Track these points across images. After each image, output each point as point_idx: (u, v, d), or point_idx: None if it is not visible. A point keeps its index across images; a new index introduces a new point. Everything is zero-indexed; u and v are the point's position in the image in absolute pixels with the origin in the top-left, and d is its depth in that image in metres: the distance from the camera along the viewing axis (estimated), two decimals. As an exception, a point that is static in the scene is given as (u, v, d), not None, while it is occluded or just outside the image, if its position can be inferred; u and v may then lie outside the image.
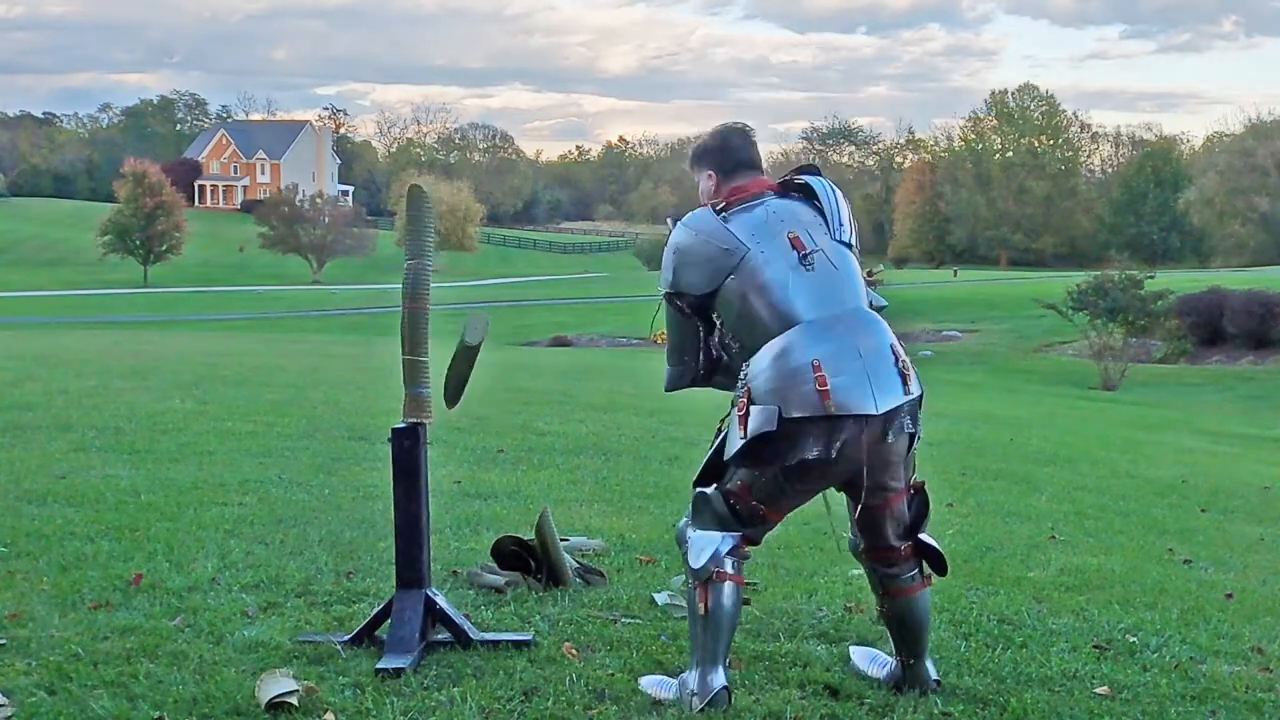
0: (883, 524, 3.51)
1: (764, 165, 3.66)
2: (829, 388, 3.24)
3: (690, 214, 3.61)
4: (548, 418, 10.21)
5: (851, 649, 3.91)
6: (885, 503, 3.47)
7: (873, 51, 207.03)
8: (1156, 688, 3.78)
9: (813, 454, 3.28)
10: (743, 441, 3.31)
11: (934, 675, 3.65)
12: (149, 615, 3.99)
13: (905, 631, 3.61)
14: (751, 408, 3.31)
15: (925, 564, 3.61)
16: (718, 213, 3.52)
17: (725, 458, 3.41)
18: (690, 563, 3.45)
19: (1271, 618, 4.88)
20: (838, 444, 3.27)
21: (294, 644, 3.76)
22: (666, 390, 3.78)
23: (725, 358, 3.58)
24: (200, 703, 3.26)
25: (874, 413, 3.28)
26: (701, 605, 3.41)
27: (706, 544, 3.44)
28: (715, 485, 3.47)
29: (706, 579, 3.41)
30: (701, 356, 3.63)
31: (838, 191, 3.60)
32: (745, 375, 3.39)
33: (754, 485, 3.39)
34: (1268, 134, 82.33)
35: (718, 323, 3.52)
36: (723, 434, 3.51)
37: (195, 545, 4.95)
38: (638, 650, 3.86)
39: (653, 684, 3.56)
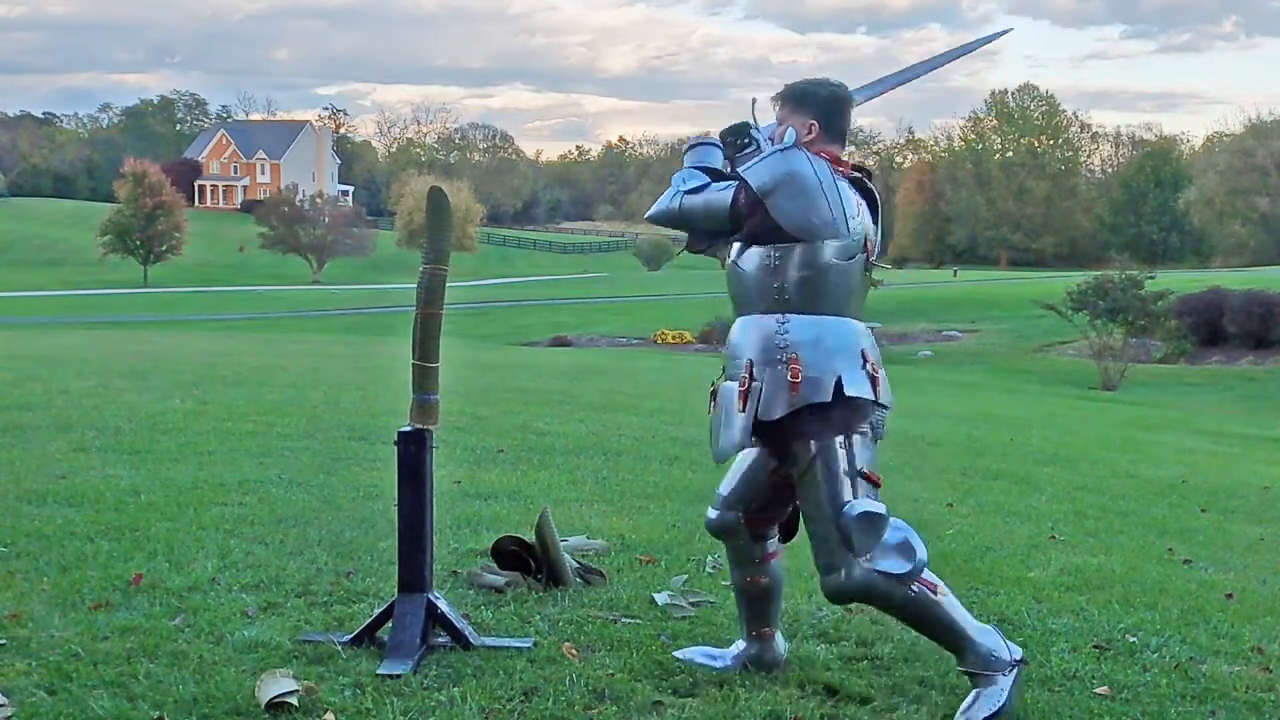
0: (785, 504, 3.64)
1: None
2: (878, 375, 3.44)
3: (814, 157, 3.44)
4: (548, 418, 10.21)
5: (679, 653, 3.83)
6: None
7: (873, 51, 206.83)
8: (1156, 688, 3.78)
9: (862, 429, 3.42)
10: (790, 409, 3.34)
11: (785, 646, 3.83)
12: (149, 615, 3.99)
13: (771, 600, 3.76)
14: (805, 375, 3.34)
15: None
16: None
17: (761, 418, 3.35)
18: (901, 570, 3.33)
19: (1271, 618, 4.88)
20: (874, 428, 3.46)
21: (294, 644, 3.76)
22: (650, 216, 3.64)
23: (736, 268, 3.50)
24: (200, 703, 3.25)
25: (891, 408, 3.53)
26: (937, 598, 3.38)
27: (901, 545, 3.35)
28: (855, 501, 3.35)
29: (919, 575, 3.37)
30: (707, 236, 3.53)
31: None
32: (785, 345, 3.37)
33: (862, 452, 3.41)
34: (1268, 134, 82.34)
35: (781, 264, 3.39)
36: (733, 401, 3.43)
37: (195, 545, 4.95)
38: (638, 650, 3.86)
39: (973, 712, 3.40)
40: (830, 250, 3.40)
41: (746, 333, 3.49)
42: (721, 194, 3.45)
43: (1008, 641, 3.51)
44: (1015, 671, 3.44)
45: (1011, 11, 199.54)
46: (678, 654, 3.82)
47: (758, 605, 3.76)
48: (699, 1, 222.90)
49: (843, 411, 3.37)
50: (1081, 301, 28.99)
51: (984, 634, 3.47)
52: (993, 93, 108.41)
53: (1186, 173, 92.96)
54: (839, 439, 3.37)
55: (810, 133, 3.50)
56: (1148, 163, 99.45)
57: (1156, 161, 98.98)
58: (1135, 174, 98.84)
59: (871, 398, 3.41)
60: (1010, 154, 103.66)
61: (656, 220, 3.58)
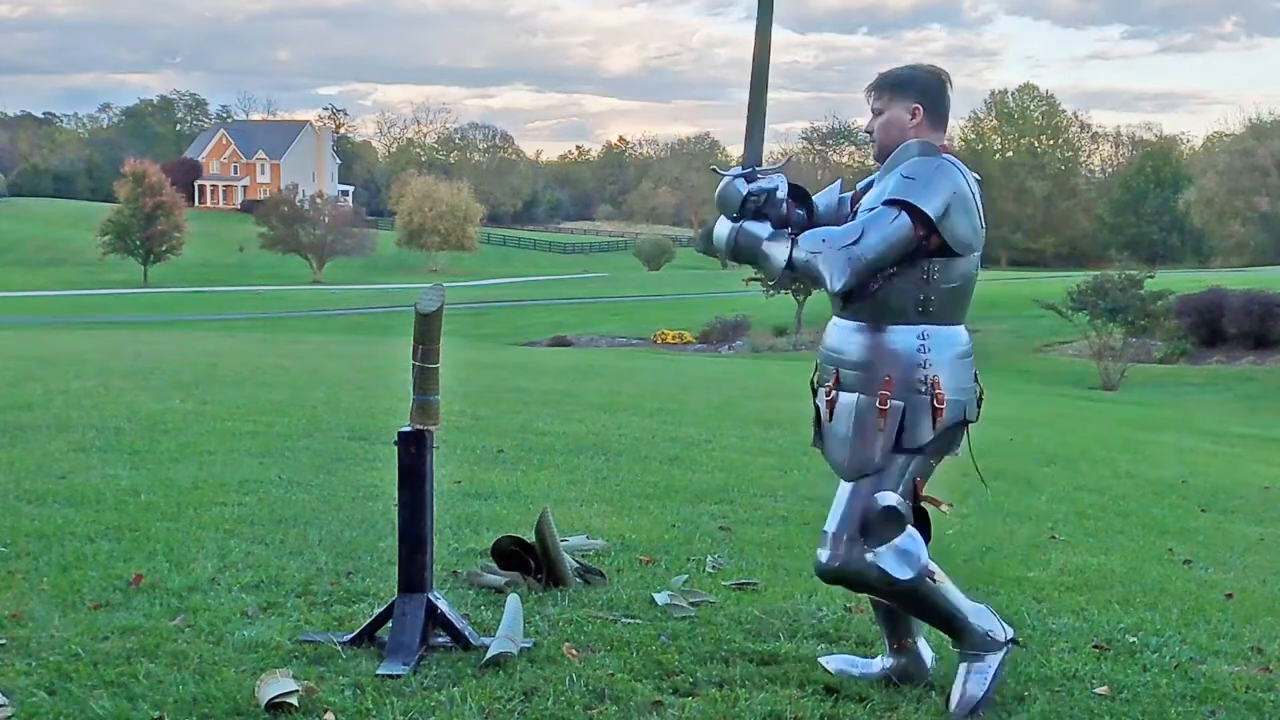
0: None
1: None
2: (981, 402, 3.52)
3: (953, 158, 3.37)
4: (548, 418, 10.21)
5: (829, 660, 3.82)
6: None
7: (874, 52, 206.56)
8: (1156, 688, 3.78)
9: (961, 444, 3.49)
10: (934, 432, 3.35)
11: (931, 659, 3.71)
12: (149, 615, 3.99)
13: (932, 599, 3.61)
14: (949, 399, 3.36)
15: None
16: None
17: (911, 446, 3.36)
18: (899, 575, 3.35)
19: (1271, 618, 4.88)
20: (959, 441, 3.51)
21: (294, 644, 3.76)
22: (830, 291, 3.36)
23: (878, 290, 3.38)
24: (200, 703, 3.25)
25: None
26: (938, 590, 3.43)
27: (906, 553, 3.37)
28: (890, 492, 3.38)
29: (921, 578, 3.40)
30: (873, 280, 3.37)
31: None
32: (925, 365, 3.35)
33: (926, 471, 3.45)
34: (1268, 134, 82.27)
35: (930, 276, 3.34)
36: (870, 419, 3.37)
37: (195, 545, 4.95)
38: (638, 650, 3.85)
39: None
40: (973, 260, 3.43)
41: (872, 345, 3.40)
42: (897, 229, 3.27)
43: (1001, 620, 3.56)
44: (1005, 650, 3.50)
45: (1012, 12, 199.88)
46: (823, 660, 3.80)
47: (893, 617, 3.66)
48: (700, 2, 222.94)
49: (959, 428, 3.45)
50: (1081, 301, 29.03)
51: (979, 615, 3.51)
52: (993, 93, 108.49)
53: (1186, 173, 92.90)
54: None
55: (915, 118, 3.41)
56: (1148, 163, 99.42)
57: (1156, 161, 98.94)
58: (1135, 174, 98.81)
59: (977, 420, 3.50)
60: (1010, 154, 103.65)
61: (851, 285, 3.31)
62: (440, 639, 3.82)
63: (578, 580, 4.61)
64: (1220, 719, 3.59)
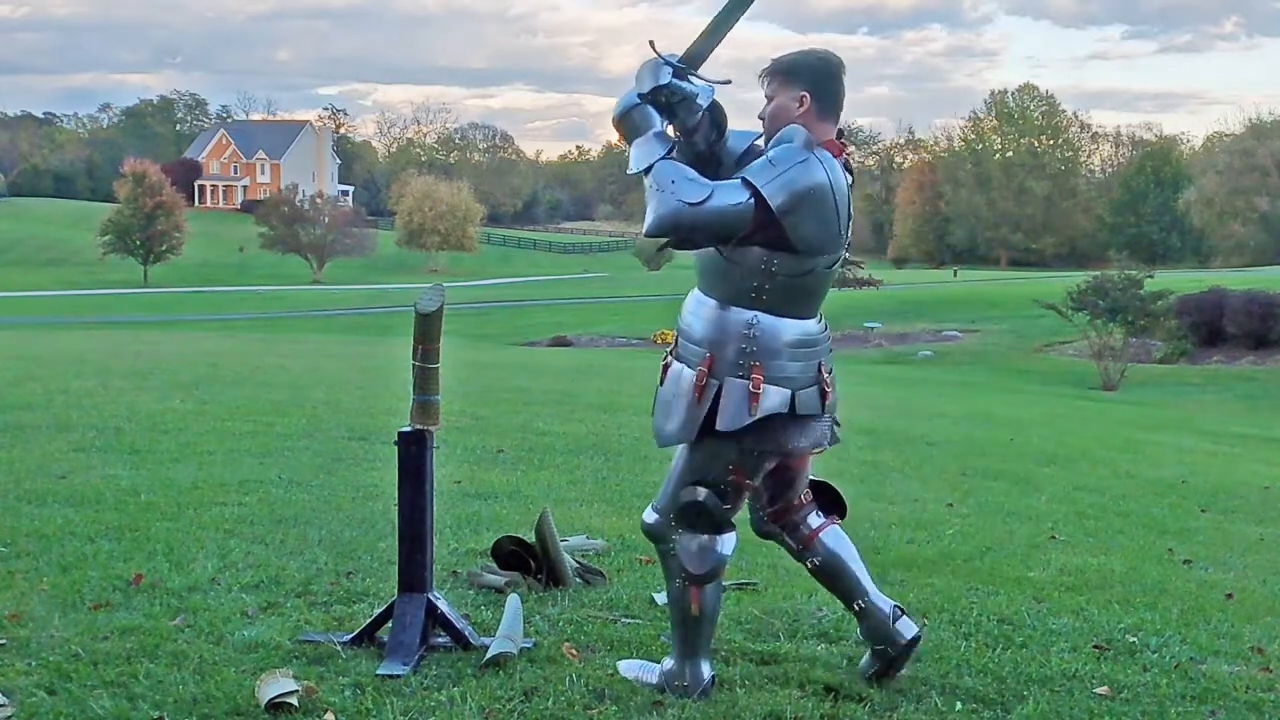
0: (795, 484, 3.63)
1: None
2: (830, 391, 3.44)
3: (828, 156, 3.28)
4: (548, 418, 10.21)
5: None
6: (802, 461, 3.60)
7: (874, 52, 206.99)
8: (1156, 688, 3.78)
9: (796, 446, 3.40)
10: (750, 419, 3.30)
11: (889, 603, 3.64)
12: (149, 615, 3.99)
13: (836, 575, 3.66)
14: (766, 386, 3.29)
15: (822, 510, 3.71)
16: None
17: (725, 428, 3.30)
18: (690, 568, 3.45)
19: (1271, 618, 4.88)
20: (818, 440, 3.45)
21: (294, 644, 3.76)
22: (649, 221, 3.25)
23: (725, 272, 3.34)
24: (200, 703, 3.25)
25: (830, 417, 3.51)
26: (695, 606, 3.47)
27: (707, 550, 3.45)
28: (700, 486, 3.41)
29: (704, 582, 3.44)
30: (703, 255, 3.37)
31: None
32: (751, 350, 3.30)
33: (745, 464, 3.41)
34: (1268, 134, 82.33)
35: (769, 267, 3.27)
36: (687, 392, 3.36)
37: (195, 545, 4.95)
38: (638, 650, 3.85)
39: (633, 669, 3.61)
40: (822, 262, 3.35)
41: (710, 321, 3.38)
42: (736, 209, 3.19)
43: (709, 683, 3.49)
44: (681, 696, 3.45)
45: (1011, 12, 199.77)
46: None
47: (834, 585, 3.68)
48: (701, 2, 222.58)
49: (788, 422, 3.35)
50: (1081, 301, 29.00)
51: (698, 666, 3.49)
52: (993, 93, 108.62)
53: (1186, 173, 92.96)
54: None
55: (802, 105, 3.33)
56: (1148, 163, 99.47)
57: (1156, 161, 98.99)
58: (1135, 174, 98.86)
59: (819, 413, 3.40)
60: (1010, 154, 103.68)
61: (659, 233, 3.25)
62: (440, 639, 3.82)
63: (578, 580, 4.61)
64: (1220, 719, 3.59)
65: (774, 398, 3.31)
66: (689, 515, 3.44)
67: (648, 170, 3.28)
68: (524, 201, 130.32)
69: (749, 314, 3.33)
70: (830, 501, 3.72)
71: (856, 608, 3.65)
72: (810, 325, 3.42)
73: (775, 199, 3.19)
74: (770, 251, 3.27)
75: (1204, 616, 4.77)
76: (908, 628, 3.64)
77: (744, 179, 3.24)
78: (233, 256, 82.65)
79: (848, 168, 3.42)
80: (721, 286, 3.37)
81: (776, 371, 3.32)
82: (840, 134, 3.41)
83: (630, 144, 3.37)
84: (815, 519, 3.68)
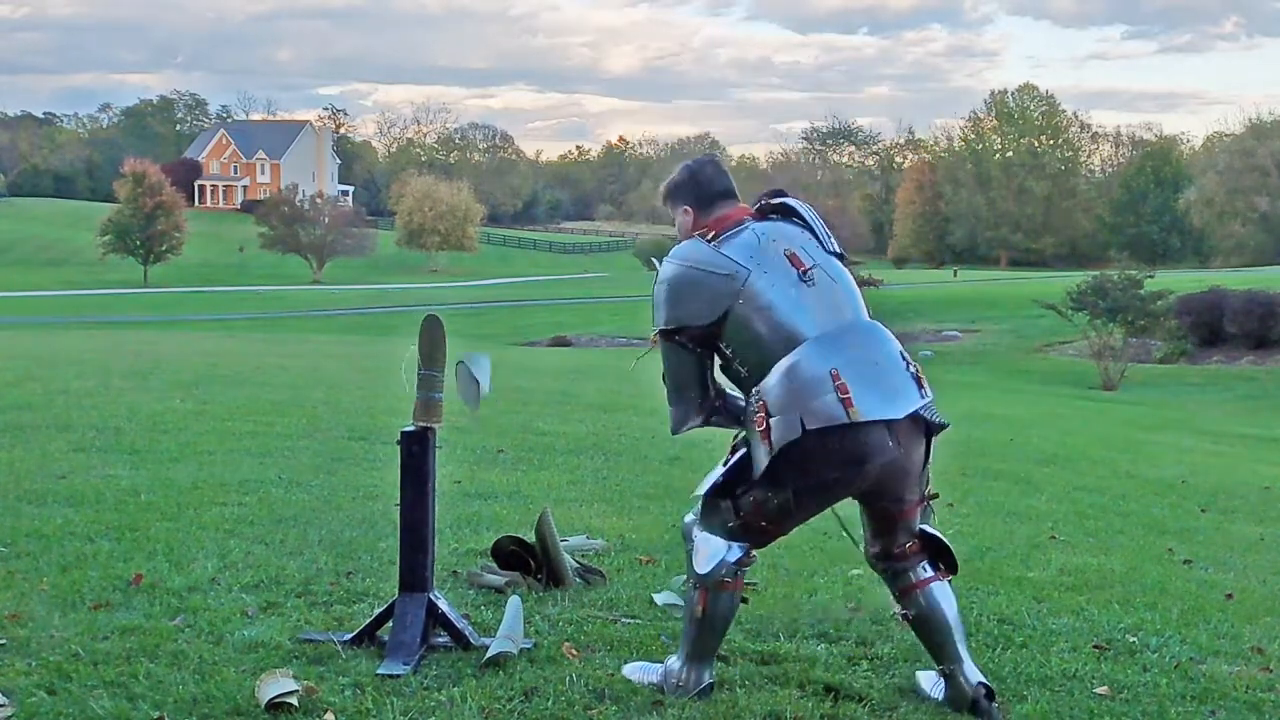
0: (895, 532, 3.52)
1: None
2: (850, 395, 3.23)
3: (677, 248, 3.52)
4: (548, 418, 10.21)
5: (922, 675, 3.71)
6: (901, 513, 3.48)
7: (874, 52, 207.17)
8: (1156, 688, 3.78)
9: (833, 475, 3.29)
10: (769, 457, 3.27)
11: (977, 678, 3.48)
12: (149, 615, 3.99)
13: (932, 631, 3.54)
14: (771, 420, 3.26)
15: (934, 559, 3.58)
16: (708, 241, 3.47)
17: (754, 477, 3.34)
18: (696, 567, 3.47)
19: (1271, 618, 4.88)
20: (862, 454, 3.25)
21: (294, 644, 3.76)
22: (674, 432, 3.58)
23: (727, 391, 3.54)
24: (200, 703, 3.25)
25: (897, 417, 3.28)
26: (700, 608, 3.47)
27: (714, 552, 3.46)
28: (728, 498, 3.44)
29: (710, 585, 3.45)
30: (708, 390, 3.52)
31: (812, 208, 3.64)
32: (757, 393, 3.32)
33: (766, 505, 3.37)
34: (1268, 134, 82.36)
35: (727, 352, 3.43)
36: (739, 452, 3.47)
37: (195, 545, 4.95)
38: (638, 650, 3.86)
39: (636, 670, 3.62)
40: (743, 306, 3.35)
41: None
42: (666, 355, 3.50)
43: (706, 688, 3.49)
44: (678, 695, 3.47)
45: (1012, 12, 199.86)
46: (920, 676, 3.70)
47: (925, 639, 3.59)
48: (701, 2, 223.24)
49: (812, 441, 3.24)
50: (1081, 301, 29.02)
51: (696, 669, 3.49)
52: (993, 93, 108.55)
53: (1186, 173, 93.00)
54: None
55: (689, 216, 3.56)
56: (1148, 163, 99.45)
57: (1156, 161, 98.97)
58: (1135, 174, 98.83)
59: (844, 420, 3.22)
60: (1010, 154, 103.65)
61: (689, 421, 3.54)
62: (440, 639, 3.82)
63: (578, 580, 4.61)
64: (1220, 719, 3.59)
65: (782, 427, 3.25)
66: (709, 512, 3.50)
67: None
68: (524, 201, 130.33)
69: (753, 393, 3.38)
70: (938, 553, 3.59)
71: (945, 671, 3.54)
72: (807, 345, 3.31)
73: (661, 321, 3.45)
74: (718, 341, 3.43)
75: (1204, 616, 4.77)
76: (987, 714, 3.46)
77: (653, 336, 3.53)
78: (233, 256, 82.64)
79: (770, 208, 3.58)
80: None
81: (777, 400, 3.28)
82: (767, 196, 3.62)
83: None
84: (923, 570, 3.56)
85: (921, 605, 3.53)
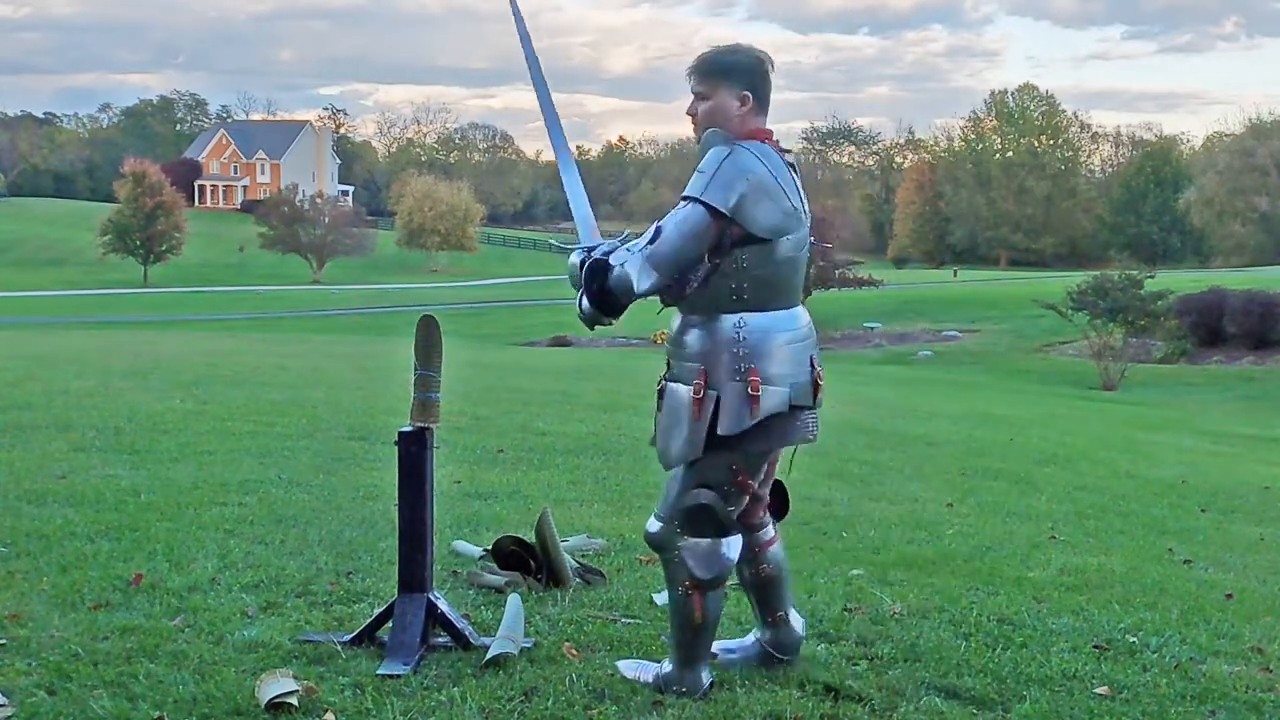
0: (769, 479, 3.66)
1: None
2: (821, 384, 3.46)
3: (754, 143, 3.29)
4: (548, 418, 10.21)
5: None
6: (776, 457, 3.63)
7: (875, 52, 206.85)
8: (1156, 688, 3.78)
9: (801, 437, 3.44)
10: (753, 421, 3.31)
11: (802, 620, 3.79)
12: (149, 615, 3.99)
13: (779, 582, 3.73)
14: (765, 388, 3.30)
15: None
16: (782, 158, 3.34)
17: (727, 433, 3.30)
18: (698, 574, 3.43)
19: (1271, 618, 4.88)
20: (798, 436, 3.44)
21: (294, 644, 3.76)
22: (637, 295, 3.28)
23: (698, 288, 3.31)
24: (200, 703, 3.26)
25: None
26: (698, 613, 3.46)
27: (713, 554, 3.44)
28: (706, 488, 3.41)
29: (710, 588, 3.45)
30: (685, 284, 3.31)
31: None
32: (742, 342, 3.31)
33: (748, 466, 3.44)
34: (1268, 134, 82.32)
35: (740, 264, 3.28)
36: (686, 408, 3.34)
37: (195, 545, 4.95)
38: (638, 650, 3.86)
39: (632, 668, 3.62)
40: (787, 245, 3.33)
41: (699, 333, 3.38)
42: (692, 227, 3.21)
43: (707, 688, 3.50)
44: (682, 697, 3.46)
45: (1012, 12, 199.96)
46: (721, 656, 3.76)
47: (767, 593, 3.73)
48: (702, 2, 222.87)
49: (788, 419, 3.39)
50: (1081, 301, 29.01)
51: (693, 672, 3.50)
52: (993, 93, 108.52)
53: (1186, 173, 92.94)
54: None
55: (745, 105, 3.32)
56: (1148, 163, 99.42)
57: (1156, 161, 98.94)
58: (1135, 174, 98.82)
59: (812, 405, 3.43)
60: (1010, 154, 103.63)
61: (652, 293, 3.30)
62: (440, 639, 3.82)
63: (578, 580, 4.61)
64: (1220, 719, 3.59)
65: (773, 398, 3.33)
66: (695, 519, 3.43)
67: (611, 283, 3.30)
68: (524, 201, 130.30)
69: (734, 317, 3.34)
70: (775, 505, 3.76)
71: (775, 619, 3.72)
72: (797, 315, 3.44)
73: (720, 200, 3.21)
74: (739, 248, 3.28)
75: (1204, 616, 4.77)
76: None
77: (685, 197, 3.26)
78: (233, 256, 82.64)
79: (784, 153, 3.41)
80: (703, 297, 3.35)
81: (771, 370, 3.33)
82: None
83: (582, 293, 3.38)
84: (773, 528, 3.75)
85: (774, 561, 3.73)
